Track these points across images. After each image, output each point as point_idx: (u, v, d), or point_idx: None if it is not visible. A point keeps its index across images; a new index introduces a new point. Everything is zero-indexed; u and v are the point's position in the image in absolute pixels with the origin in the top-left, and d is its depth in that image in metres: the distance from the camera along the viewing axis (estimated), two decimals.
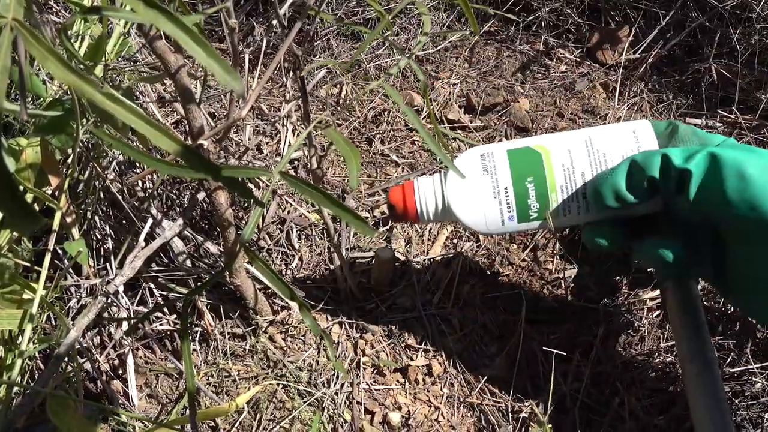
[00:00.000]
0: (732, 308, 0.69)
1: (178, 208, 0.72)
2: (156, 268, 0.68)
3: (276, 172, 0.46)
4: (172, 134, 0.38)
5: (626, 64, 0.95)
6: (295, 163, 0.85)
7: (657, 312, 0.69)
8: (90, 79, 0.33)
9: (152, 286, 0.68)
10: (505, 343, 0.71)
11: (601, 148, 0.53)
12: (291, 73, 0.92)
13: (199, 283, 0.68)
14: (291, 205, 0.80)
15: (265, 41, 0.66)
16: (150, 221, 0.65)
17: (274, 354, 0.67)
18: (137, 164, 0.72)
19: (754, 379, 0.62)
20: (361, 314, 0.71)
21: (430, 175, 0.77)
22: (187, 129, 0.53)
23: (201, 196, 0.67)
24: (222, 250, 0.71)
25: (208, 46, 0.34)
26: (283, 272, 0.73)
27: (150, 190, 0.68)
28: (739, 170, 0.42)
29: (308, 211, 0.79)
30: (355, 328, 0.70)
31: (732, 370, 0.64)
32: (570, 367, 0.68)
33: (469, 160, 0.56)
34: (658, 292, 0.70)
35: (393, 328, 0.70)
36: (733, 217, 0.44)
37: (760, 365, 0.63)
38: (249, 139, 0.82)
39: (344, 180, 0.83)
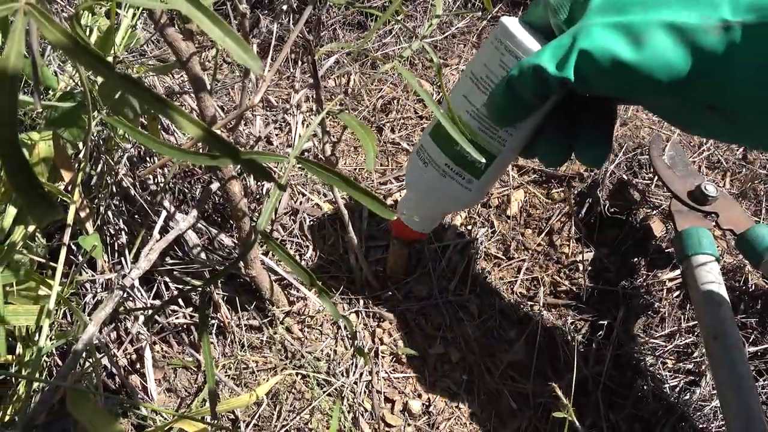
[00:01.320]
0: (753, 287, 0.68)
1: (191, 201, 0.71)
2: (171, 261, 0.68)
3: (292, 156, 0.46)
4: (194, 119, 0.37)
5: None
6: (306, 154, 0.85)
7: (677, 293, 0.69)
8: (107, 61, 0.33)
9: (167, 279, 0.68)
10: (524, 328, 0.70)
11: (482, 73, 0.51)
12: (299, 63, 0.92)
13: (214, 275, 0.67)
14: (303, 195, 0.79)
15: (274, 30, 0.65)
16: (164, 214, 0.64)
17: (291, 345, 0.67)
18: (148, 158, 0.71)
19: None
20: (377, 303, 0.70)
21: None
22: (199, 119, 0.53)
23: (214, 187, 0.67)
24: (236, 241, 0.71)
25: (224, 24, 0.33)
26: (299, 263, 0.73)
27: (162, 184, 0.68)
28: (613, 60, 0.40)
29: (321, 201, 0.78)
30: (371, 317, 0.69)
31: (755, 348, 0.63)
32: (590, 351, 0.67)
33: (412, 164, 0.57)
34: (677, 272, 0.69)
35: (410, 316, 0.69)
36: (615, 92, 0.44)
37: None
38: (259, 131, 0.81)
39: (356, 169, 0.83)
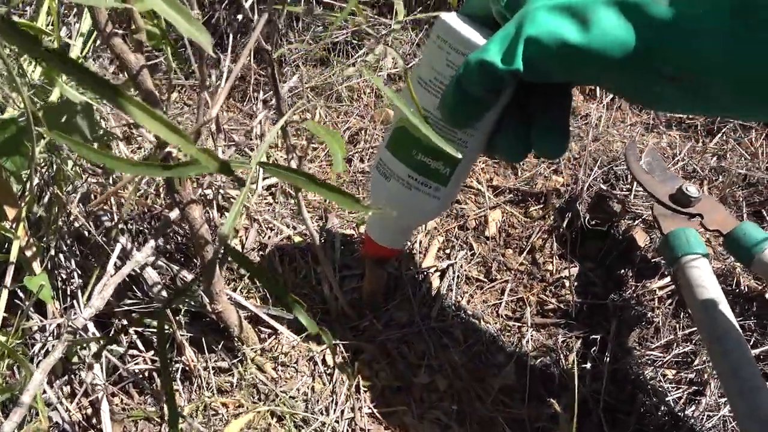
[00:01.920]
0: (746, 289, 0.65)
1: (150, 237, 0.67)
2: (129, 302, 0.63)
3: (254, 162, 0.42)
4: (147, 107, 0.34)
5: None
6: (272, 189, 0.81)
7: (669, 301, 0.65)
8: (33, 36, 0.29)
9: (125, 322, 0.63)
10: (512, 351, 0.66)
11: (430, 76, 0.48)
12: (261, 97, 0.90)
13: (178, 317, 0.62)
14: (272, 230, 0.75)
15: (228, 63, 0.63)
16: (119, 247, 0.59)
17: (265, 385, 0.61)
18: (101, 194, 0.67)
19: None
20: (355, 334, 0.66)
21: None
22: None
23: (173, 215, 0.63)
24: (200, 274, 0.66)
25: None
26: (268, 299, 0.68)
27: (117, 218, 0.63)
28: (562, 44, 0.39)
29: (292, 232, 0.74)
30: (350, 348, 0.64)
31: (756, 351, 0.60)
32: (586, 368, 0.63)
33: (374, 181, 0.55)
34: (667, 280, 0.66)
35: (391, 345, 0.65)
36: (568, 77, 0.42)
37: None
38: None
39: (325, 201, 0.79)
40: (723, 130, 0.85)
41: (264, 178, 0.81)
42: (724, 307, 0.55)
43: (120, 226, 0.64)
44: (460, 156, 0.44)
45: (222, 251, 0.72)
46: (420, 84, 0.49)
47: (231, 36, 0.77)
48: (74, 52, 0.61)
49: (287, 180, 0.43)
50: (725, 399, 0.57)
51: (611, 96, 0.91)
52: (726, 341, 0.52)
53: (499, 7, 0.44)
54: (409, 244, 0.73)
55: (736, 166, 0.78)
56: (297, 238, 0.74)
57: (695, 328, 0.63)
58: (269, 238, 0.74)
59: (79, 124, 0.54)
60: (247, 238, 0.74)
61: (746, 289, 0.65)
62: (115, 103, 0.33)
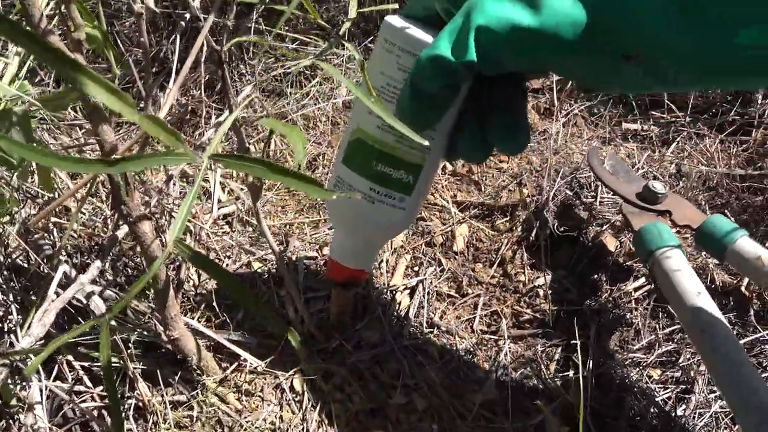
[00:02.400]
0: (721, 284, 0.64)
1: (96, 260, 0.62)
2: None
3: (206, 156, 0.39)
4: (98, 77, 0.31)
5: (551, 87, 0.95)
6: (229, 218, 0.78)
7: (645, 302, 0.64)
8: None
9: (71, 357, 0.57)
10: (491, 365, 0.62)
11: (382, 83, 0.46)
12: (214, 120, 0.87)
13: (129, 349, 0.57)
14: (230, 258, 0.71)
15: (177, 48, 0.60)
16: (61, 271, 0.54)
17: (228, 417, 0.56)
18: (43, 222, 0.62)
19: (767, 347, 0.57)
20: (324, 357, 0.61)
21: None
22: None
23: (121, 233, 0.59)
24: (152, 302, 0.61)
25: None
26: (228, 324, 0.63)
27: (60, 244, 0.59)
28: (514, 29, 0.38)
29: (252, 259, 0.70)
30: (319, 372, 0.60)
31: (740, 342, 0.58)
32: (569, 376, 0.60)
33: (333, 199, 0.51)
34: (641, 281, 0.65)
35: (363, 366, 0.61)
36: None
37: None
38: (173, 196, 0.74)
39: (285, 226, 0.76)
40: (677, 140, 0.86)
41: (220, 207, 0.77)
42: (705, 296, 0.53)
43: (62, 255, 0.60)
44: (427, 143, 0.42)
45: (175, 258, 0.67)
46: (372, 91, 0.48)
47: (178, 38, 0.74)
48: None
49: (243, 170, 0.41)
50: (716, 394, 0.55)
51: (566, 115, 0.92)
52: (712, 330, 0.50)
53: (443, 4, 0.43)
54: (375, 264, 0.70)
55: (696, 171, 0.78)
56: (257, 264, 0.70)
57: (676, 327, 0.61)
58: (227, 265, 0.70)
59: (15, 137, 0.50)
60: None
61: (721, 284, 0.64)
62: (65, 72, 0.30)
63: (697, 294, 0.53)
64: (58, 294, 0.52)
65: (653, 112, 0.89)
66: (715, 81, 0.40)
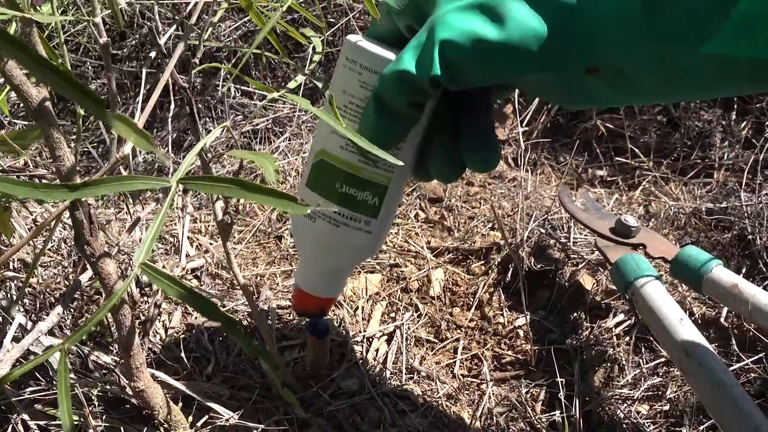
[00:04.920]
0: (700, 317, 0.64)
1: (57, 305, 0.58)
2: (31, 390, 0.53)
3: (174, 180, 0.38)
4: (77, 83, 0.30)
5: (516, 137, 0.97)
6: (197, 272, 0.75)
7: (627, 338, 0.63)
8: None
9: (26, 417, 0.53)
10: (475, 409, 0.60)
11: (344, 101, 0.46)
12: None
13: (92, 406, 0.53)
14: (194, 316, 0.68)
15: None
16: (17, 323, 0.51)
17: None
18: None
19: (752, 375, 0.56)
20: (300, 407, 0.58)
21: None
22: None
23: (84, 277, 0.56)
24: (118, 357, 0.58)
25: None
26: (199, 378, 0.60)
27: (17, 296, 0.56)
28: (478, 42, 0.37)
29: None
30: (296, 424, 0.56)
31: None
32: (557, 416, 0.58)
33: (298, 224, 0.51)
34: (621, 317, 0.64)
35: (342, 416, 0.58)
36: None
37: (755, 358, 0.56)
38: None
39: (256, 277, 0.74)
40: (643, 183, 0.87)
41: (188, 262, 0.75)
42: (687, 322, 0.53)
43: (18, 307, 0.56)
44: (401, 163, 0.41)
45: (140, 313, 0.64)
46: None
47: (144, 71, 0.74)
48: None
49: (216, 191, 0.39)
50: (705, 425, 0.53)
51: (532, 164, 0.93)
52: (699, 354, 0.49)
53: (406, 21, 0.43)
54: (350, 311, 0.68)
55: (663, 211, 0.80)
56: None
57: (660, 360, 0.60)
58: (196, 318, 0.67)
59: None
60: (171, 320, 0.67)
61: (700, 317, 0.63)
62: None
63: (679, 320, 0.53)
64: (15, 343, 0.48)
65: (618, 159, 0.91)
66: (681, 91, 0.40)
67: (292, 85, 0.52)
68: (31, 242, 0.69)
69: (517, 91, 0.87)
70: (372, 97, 0.42)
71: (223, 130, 0.89)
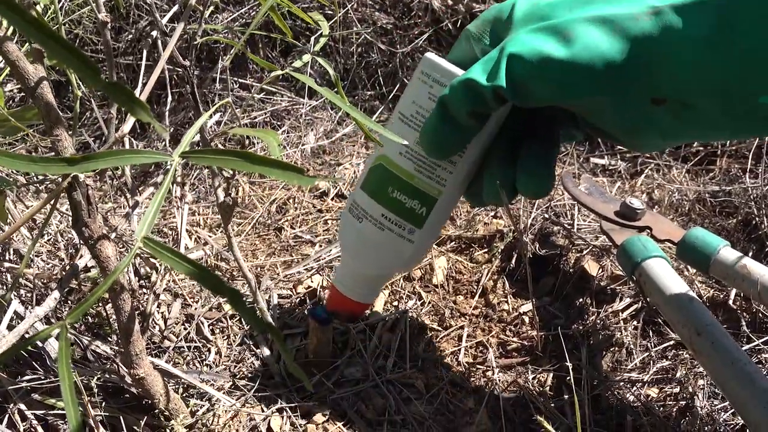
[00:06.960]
0: (707, 300, 0.63)
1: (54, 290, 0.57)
2: (28, 378, 0.52)
3: (176, 154, 0.37)
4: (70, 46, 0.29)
5: None
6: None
7: (635, 321, 0.62)
8: None
9: (23, 406, 0.51)
10: (481, 396, 0.59)
11: (411, 111, 0.48)
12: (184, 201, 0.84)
13: (92, 395, 0.52)
14: (197, 301, 0.67)
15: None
16: (12, 309, 0.50)
17: None
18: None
19: (763, 356, 0.55)
20: (304, 396, 0.57)
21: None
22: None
23: (82, 262, 0.55)
24: (118, 347, 0.57)
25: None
26: (199, 367, 0.59)
27: (13, 276, 0.54)
28: (545, 59, 0.39)
29: (222, 301, 0.66)
30: (299, 412, 0.55)
31: None
32: (565, 400, 0.57)
33: (345, 224, 0.52)
34: (627, 301, 0.63)
35: (346, 404, 0.56)
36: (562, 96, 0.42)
37: (766, 338, 0.56)
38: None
39: (256, 267, 0.73)
40: (646, 171, 0.87)
41: (187, 254, 0.74)
42: (697, 301, 0.52)
43: (13, 294, 0.55)
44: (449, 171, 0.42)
45: (140, 304, 0.62)
46: (400, 119, 0.48)
47: (145, 52, 0.73)
48: None
49: (219, 164, 0.38)
50: (719, 406, 0.52)
51: None
52: (710, 332, 0.48)
53: (483, 46, 0.45)
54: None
55: (667, 197, 0.79)
56: (227, 306, 0.66)
57: (668, 343, 0.59)
58: (195, 309, 0.66)
59: None
60: (170, 311, 0.66)
61: (707, 300, 0.62)
62: None
63: (689, 299, 0.52)
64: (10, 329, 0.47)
65: (620, 147, 0.90)
66: (747, 128, 0.41)
67: (297, 64, 0.51)
68: (28, 235, 0.68)
69: None
70: (437, 103, 0.44)
71: (225, 111, 0.88)
